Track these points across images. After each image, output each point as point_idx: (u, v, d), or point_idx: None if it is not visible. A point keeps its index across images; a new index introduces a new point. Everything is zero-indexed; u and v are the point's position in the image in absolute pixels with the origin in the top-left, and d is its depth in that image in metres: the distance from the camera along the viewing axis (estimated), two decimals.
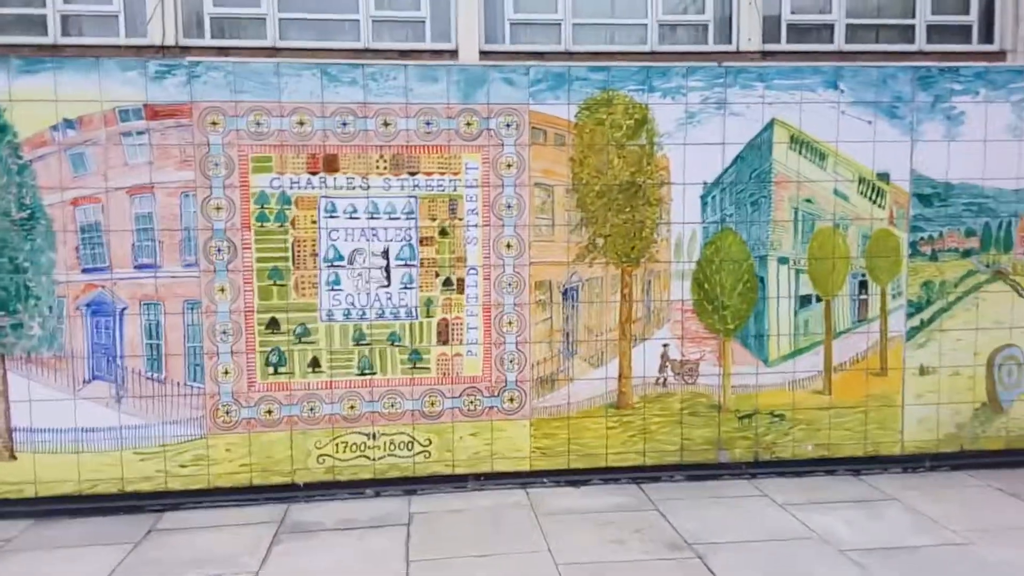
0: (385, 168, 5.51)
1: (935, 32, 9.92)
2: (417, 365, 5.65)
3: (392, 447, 5.69)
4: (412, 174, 5.54)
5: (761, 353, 5.92)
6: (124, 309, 5.35)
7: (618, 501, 5.51)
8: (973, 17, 8.20)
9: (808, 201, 5.85)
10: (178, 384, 5.43)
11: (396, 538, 4.90)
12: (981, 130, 5.88)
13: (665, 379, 5.88)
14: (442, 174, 5.56)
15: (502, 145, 5.58)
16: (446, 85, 5.50)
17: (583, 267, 5.75)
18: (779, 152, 5.79)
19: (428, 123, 5.51)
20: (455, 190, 5.59)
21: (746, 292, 5.86)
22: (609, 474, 5.87)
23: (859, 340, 5.98)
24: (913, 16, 8.08)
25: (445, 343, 5.67)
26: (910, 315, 5.98)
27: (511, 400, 5.75)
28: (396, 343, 5.63)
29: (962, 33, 10.10)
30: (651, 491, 5.71)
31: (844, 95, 5.79)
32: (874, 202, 5.89)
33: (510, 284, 5.67)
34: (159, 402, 5.42)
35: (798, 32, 9.19)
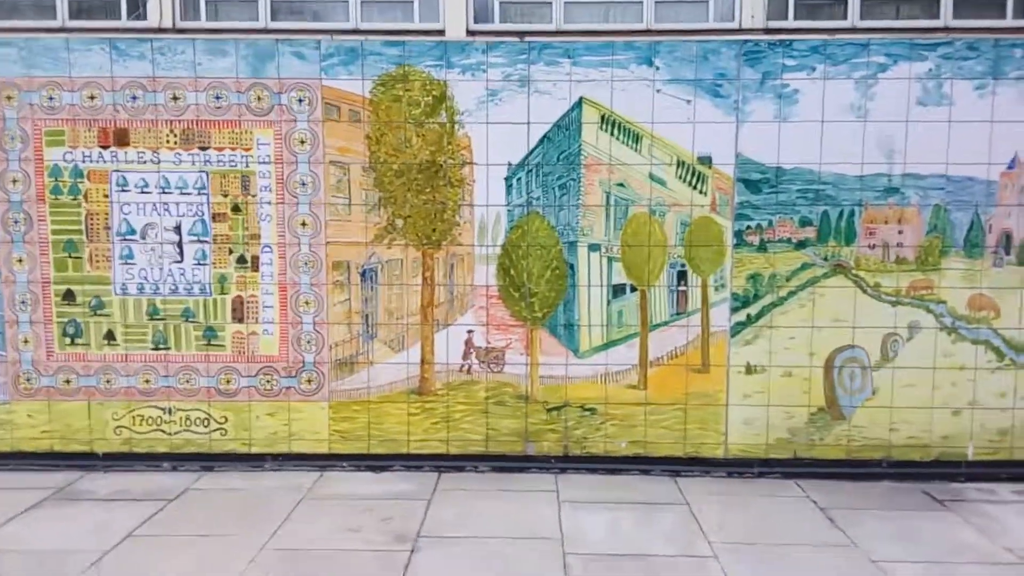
0: (175, 142, 5.48)
1: (964, 5, 9.14)
2: (212, 342, 5.62)
3: (188, 423, 5.68)
4: (203, 149, 5.49)
5: (571, 343, 5.62)
6: None
7: (402, 489, 5.34)
8: None
9: (621, 185, 5.51)
10: None
11: (143, 513, 4.87)
12: (818, 110, 5.40)
13: (470, 367, 5.66)
14: (233, 149, 5.49)
15: (295, 121, 5.47)
16: (235, 59, 5.43)
17: (382, 248, 5.58)
18: (589, 133, 5.47)
19: (218, 97, 5.45)
20: (247, 166, 5.51)
21: (555, 279, 5.58)
22: (412, 461, 5.70)
23: (678, 334, 5.60)
24: None
25: (240, 321, 5.62)
26: (735, 309, 5.56)
27: (309, 381, 5.64)
28: (190, 319, 5.60)
29: (995, 6, 9.31)
30: (446, 481, 5.51)
31: (660, 72, 5.42)
32: (695, 187, 5.50)
33: (306, 263, 5.56)
34: None
35: (808, 8, 8.65)
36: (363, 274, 5.61)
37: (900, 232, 5.47)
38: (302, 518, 4.82)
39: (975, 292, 5.48)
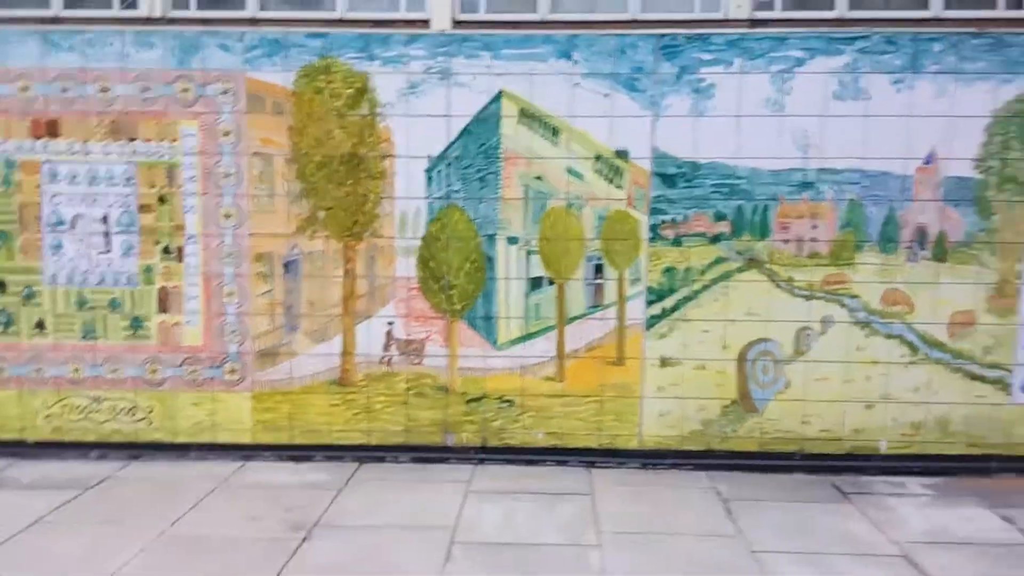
0: (104, 134, 5.58)
1: None
2: (138, 332, 5.73)
3: (115, 412, 5.80)
4: (131, 140, 5.59)
5: (490, 336, 5.70)
6: None
7: (318, 479, 5.44)
8: None
9: (539, 179, 5.57)
10: None
11: (57, 500, 4.99)
12: (734, 104, 5.43)
13: (390, 358, 5.75)
14: (160, 141, 5.59)
15: (219, 112, 5.55)
16: (162, 51, 5.51)
17: (304, 240, 5.67)
18: (508, 126, 5.52)
19: (145, 89, 5.53)
20: (173, 157, 5.61)
21: (473, 272, 5.65)
22: (334, 451, 5.80)
23: (594, 327, 5.67)
24: None
25: (165, 311, 5.73)
26: (651, 303, 5.62)
27: (232, 372, 5.75)
28: (117, 309, 5.71)
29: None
30: (365, 471, 5.61)
31: (578, 66, 5.46)
32: (611, 182, 5.55)
33: (230, 254, 5.66)
34: None
35: None
36: (286, 265, 5.70)
37: (814, 227, 5.51)
38: (209, 507, 4.94)
39: (889, 287, 5.51)
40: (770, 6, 7.93)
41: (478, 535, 4.52)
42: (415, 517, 4.78)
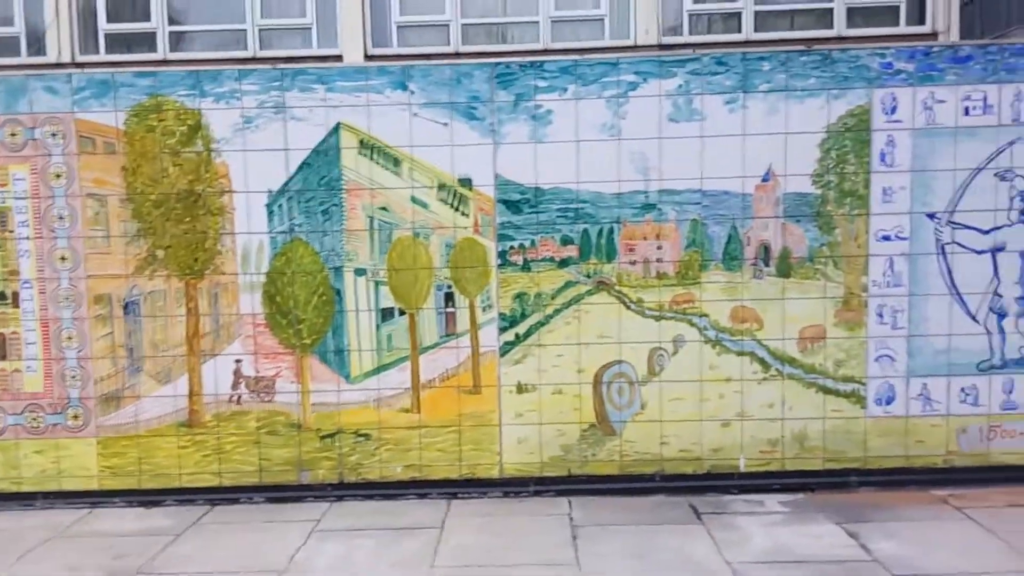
0: None
1: (858, 15, 9.25)
2: None
3: None
4: None
5: (342, 369, 5.59)
6: None
7: (160, 524, 5.25)
8: None
9: (384, 209, 5.50)
10: None
11: None
12: (572, 130, 5.44)
13: (239, 396, 5.59)
14: None
15: (49, 155, 5.41)
16: None
17: (144, 280, 5.52)
18: (348, 158, 5.46)
19: None
20: (4, 202, 5.44)
21: (322, 305, 5.54)
22: (186, 495, 5.61)
23: (448, 356, 5.59)
24: None
25: (4, 358, 5.52)
26: (503, 329, 5.56)
27: (75, 417, 5.55)
28: None
29: (889, 14, 9.45)
30: (215, 514, 5.43)
31: (415, 96, 5.43)
32: (457, 209, 5.51)
33: (67, 298, 5.48)
34: None
35: (703, 22, 8.66)
36: (126, 307, 5.54)
37: (659, 247, 5.51)
38: (35, 558, 4.74)
39: (737, 304, 5.53)
40: (679, 32, 8.11)
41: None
42: (246, 561, 4.62)
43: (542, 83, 5.43)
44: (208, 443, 5.60)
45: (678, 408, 5.56)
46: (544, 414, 5.59)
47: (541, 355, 5.57)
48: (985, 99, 5.38)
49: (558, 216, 5.50)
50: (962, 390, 5.50)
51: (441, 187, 5.49)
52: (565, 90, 5.43)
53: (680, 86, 5.41)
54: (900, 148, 5.40)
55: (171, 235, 5.48)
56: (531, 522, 5.14)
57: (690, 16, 8.85)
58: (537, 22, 8.64)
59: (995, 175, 5.41)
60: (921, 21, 9.28)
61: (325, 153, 5.46)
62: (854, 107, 5.39)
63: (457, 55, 7.64)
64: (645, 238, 5.50)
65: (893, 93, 5.38)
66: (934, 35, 9.02)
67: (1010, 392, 5.50)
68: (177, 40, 8.91)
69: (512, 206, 5.50)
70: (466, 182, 5.49)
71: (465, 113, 5.43)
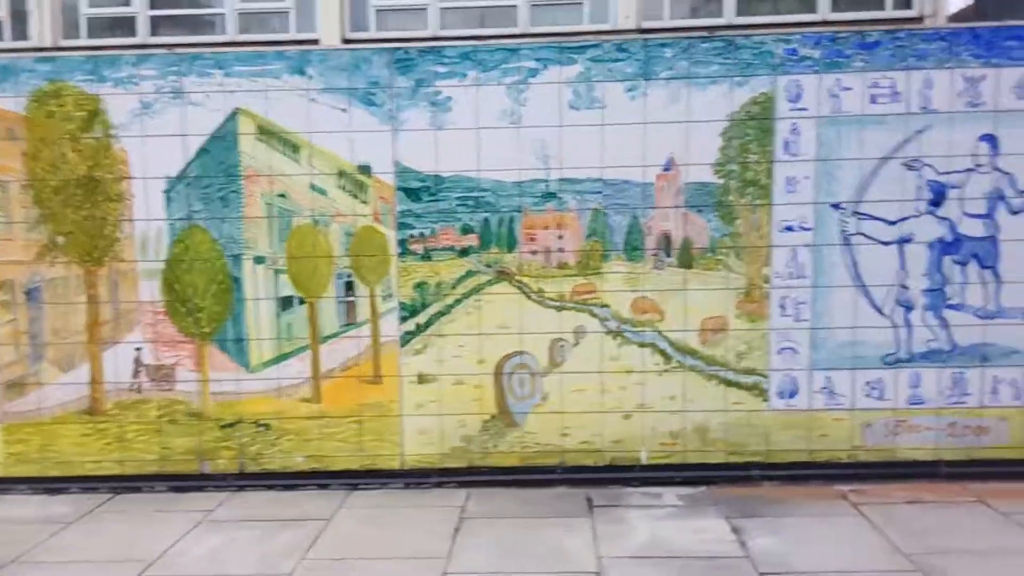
0: None
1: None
2: None
3: None
4: None
5: (242, 358, 5.56)
6: None
7: (55, 512, 5.26)
8: None
9: (283, 196, 5.46)
10: None
11: None
12: (472, 116, 5.37)
13: (140, 385, 5.59)
14: None
15: None
16: None
17: (45, 267, 5.51)
18: (246, 144, 5.42)
19: None
20: None
21: (221, 293, 5.52)
22: (89, 483, 5.62)
23: (349, 345, 5.55)
24: None
25: None
26: (404, 319, 5.52)
27: None
28: None
29: None
30: (115, 503, 5.44)
31: (313, 81, 5.37)
32: (356, 197, 5.45)
33: None
34: None
35: (684, 5, 8.56)
36: (28, 293, 5.53)
37: (560, 237, 5.44)
38: None
39: (638, 295, 5.45)
40: (659, 16, 7.98)
41: (172, 569, 4.37)
42: (122, 551, 4.61)
43: (442, 69, 5.36)
44: (110, 431, 5.60)
45: (579, 399, 5.50)
46: (445, 405, 5.54)
47: (442, 345, 5.52)
48: (893, 86, 5.26)
49: (458, 204, 5.44)
50: (867, 384, 5.41)
51: (340, 174, 5.44)
52: (465, 76, 5.35)
53: (581, 73, 5.32)
54: (805, 137, 5.29)
55: (71, 221, 5.47)
56: (421, 514, 5.10)
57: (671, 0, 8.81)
58: (516, 6, 8.55)
59: (903, 164, 5.30)
60: (907, 5, 9.07)
61: (223, 139, 5.41)
62: (757, 95, 5.29)
63: (436, 39, 7.54)
64: (546, 227, 5.43)
65: (798, 80, 5.27)
66: (920, 19, 8.79)
67: (916, 386, 5.40)
68: (156, 23, 8.93)
69: (412, 194, 5.44)
70: (365, 169, 5.43)
71: (364, 99, 5.37)
